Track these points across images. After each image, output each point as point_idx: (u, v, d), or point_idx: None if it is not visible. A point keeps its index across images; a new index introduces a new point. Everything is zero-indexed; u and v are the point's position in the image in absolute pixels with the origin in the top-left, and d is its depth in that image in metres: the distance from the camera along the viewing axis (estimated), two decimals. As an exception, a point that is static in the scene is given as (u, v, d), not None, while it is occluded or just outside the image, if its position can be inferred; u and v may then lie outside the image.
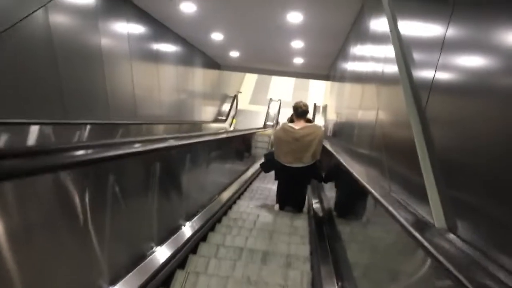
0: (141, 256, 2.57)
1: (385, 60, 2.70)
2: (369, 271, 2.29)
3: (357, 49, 4.88)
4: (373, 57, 3.36)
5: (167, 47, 7.28)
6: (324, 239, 3.85)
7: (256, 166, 8.49)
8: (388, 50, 2.61)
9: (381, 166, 2.42)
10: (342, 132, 5.43)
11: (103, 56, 4.79)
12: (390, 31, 2.49)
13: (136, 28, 5.85)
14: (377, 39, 3.28)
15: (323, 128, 4.98)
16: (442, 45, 1.52)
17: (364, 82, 3.82)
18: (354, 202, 3.01)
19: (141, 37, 6.09)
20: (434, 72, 1.59)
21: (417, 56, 2.00)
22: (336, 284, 2.80)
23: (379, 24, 3.25)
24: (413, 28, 2.21)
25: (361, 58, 4.36)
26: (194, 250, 3.38)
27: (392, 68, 2.45)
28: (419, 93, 1.84)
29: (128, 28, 5.48)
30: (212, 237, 3.81)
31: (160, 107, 6.85)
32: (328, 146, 5.54)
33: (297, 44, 7.24)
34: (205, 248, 3.46)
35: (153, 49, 6.54)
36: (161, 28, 6.76)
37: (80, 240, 1.91)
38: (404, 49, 2.19)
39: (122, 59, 5.44)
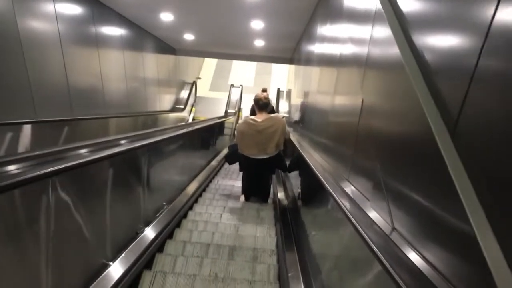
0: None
1: (373, 42, 2.07)
2: (332, 261, 2.29)
3: (327, 29, 4.25)
4: (352, 38, 2.71)
5: (110, 30, 6.38)
6: (290, 230, 3.75)
7: (220, 156, 7.88)
8: (378, 30, 1.99)
9: (373, 178, 1.81)
10: (311, 120, 4.84)
11: (22, 41, 3.92)
12: (383, 6, 1.84)
13: (67, 8, 4.95)
14: (357, 17, 2.64)
15: (284, 118, 4.91)
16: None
17: (339, 65, 3.20)
18: (318, 195, 2.87)
19: (75, 18, 5.20)
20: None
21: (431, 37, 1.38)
22: (301, 275, 2.77)
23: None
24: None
25: (333, 39, 3.73)
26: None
27: (385, 51, 1.84)
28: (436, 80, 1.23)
29: (56, 7, 4.59)
30: (183, 224, 3.98)
31: (103, 98, 6.00)
32: (294, 139, 5.08)
33: (257, 24, 6.54)
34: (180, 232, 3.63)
35: (92, 32, 5.66)
36: (101, 8, 5.87)
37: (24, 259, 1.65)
38: (407, 28, 1.57)
39: (50, 44, 4.57)
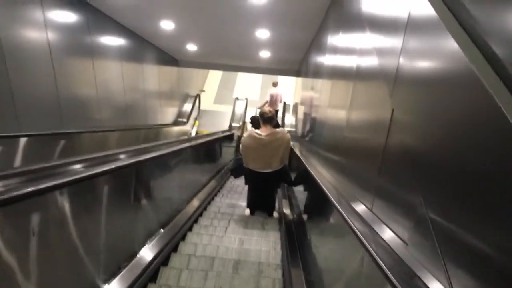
0: None
1: (406, 51, 1.67)
2: (336, 275, 2.26)
3: (339, 39, 3.87)
4: (375, 48, 2.28)
5: (107, 40, 6.05)
6: (295, 245, 3.71)
7: (220, 175, 7.48)
8: (416, 37, 1.59)
9: (413, 215, 1.40)
10: (320, 136, 4.43)
11: (4, 52, 3.57)
12: (438, 13, 1.39)
13: (59, 15, 4.62)
14: (382, 25, 2.23)
15: (288, 134, 4.85)
16: None
17: (355, 78, 2.79)
18: (323, 209, 2.87)
19: (67, 27, 4.86)
20: None
21: None
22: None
23: (386, 4, 2.19)
24: None
25: (347, 51, 3.34)
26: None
27: (431, 60, 1.43)
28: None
29: (45, 15, 4.26)
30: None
31: (99, 111, 5.63)
32: (300, 154, 4.87)
33: (263, 33, 6.18)
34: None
35: (87, 41, 5.32)
36: (97, 15, 5.54)
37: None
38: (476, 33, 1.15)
39: (38, 54, 4.22)
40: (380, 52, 2.16)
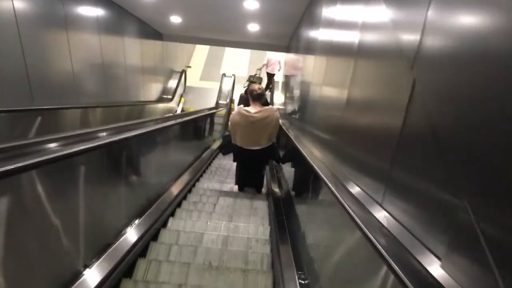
0: None
1: (430, 26, 1.36)
2: (324, 249, 2.30)
3: (336, 11, 3.53)
4: (395, 21, 1.92)
5: (83, 10, 5.57)
6: (283, 220, 3.75)
7: (207, 153, 7.22)
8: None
9: (450, 223, 1.12)
10: (314, 116, 4.15)
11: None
12: None
13: (27, -20, 4.16)
14: None
15: (278, 111, 4.88)
16: None
17: (357, 55, 2.47)
18: (310, 184, 2.91)
19: (37, -7, 4.41)
20: None
21: None
22: (294, 263, 2.77)
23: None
24: None
25: (347, 25, 3.01)
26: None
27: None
28: None
29: (10, -21, 3.81)
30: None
31: (75, 86, 5.22)
32: (291, 133, 4.71)
33: (251, 4, 5.78)
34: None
35: (60, 12, 4.86)
36: (71, -18, 5.08)
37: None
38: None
39: (3, 25, 3.79)
40: (392, 32, 1.84)
